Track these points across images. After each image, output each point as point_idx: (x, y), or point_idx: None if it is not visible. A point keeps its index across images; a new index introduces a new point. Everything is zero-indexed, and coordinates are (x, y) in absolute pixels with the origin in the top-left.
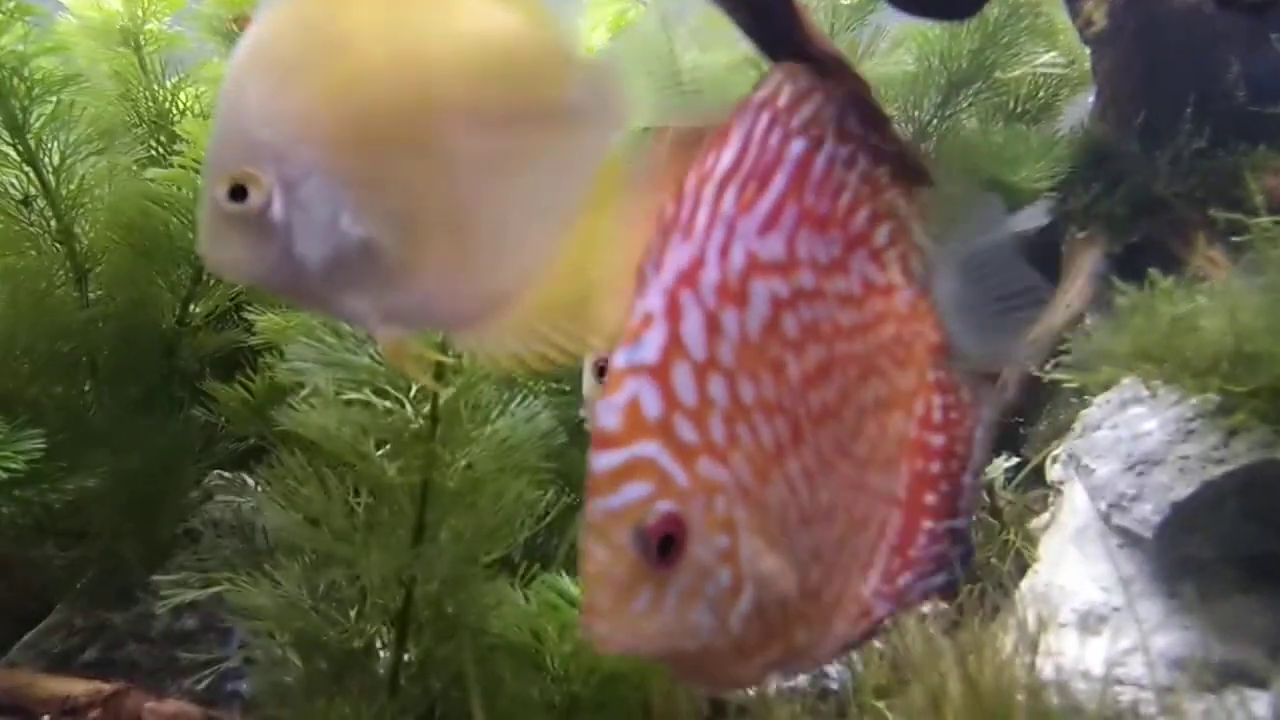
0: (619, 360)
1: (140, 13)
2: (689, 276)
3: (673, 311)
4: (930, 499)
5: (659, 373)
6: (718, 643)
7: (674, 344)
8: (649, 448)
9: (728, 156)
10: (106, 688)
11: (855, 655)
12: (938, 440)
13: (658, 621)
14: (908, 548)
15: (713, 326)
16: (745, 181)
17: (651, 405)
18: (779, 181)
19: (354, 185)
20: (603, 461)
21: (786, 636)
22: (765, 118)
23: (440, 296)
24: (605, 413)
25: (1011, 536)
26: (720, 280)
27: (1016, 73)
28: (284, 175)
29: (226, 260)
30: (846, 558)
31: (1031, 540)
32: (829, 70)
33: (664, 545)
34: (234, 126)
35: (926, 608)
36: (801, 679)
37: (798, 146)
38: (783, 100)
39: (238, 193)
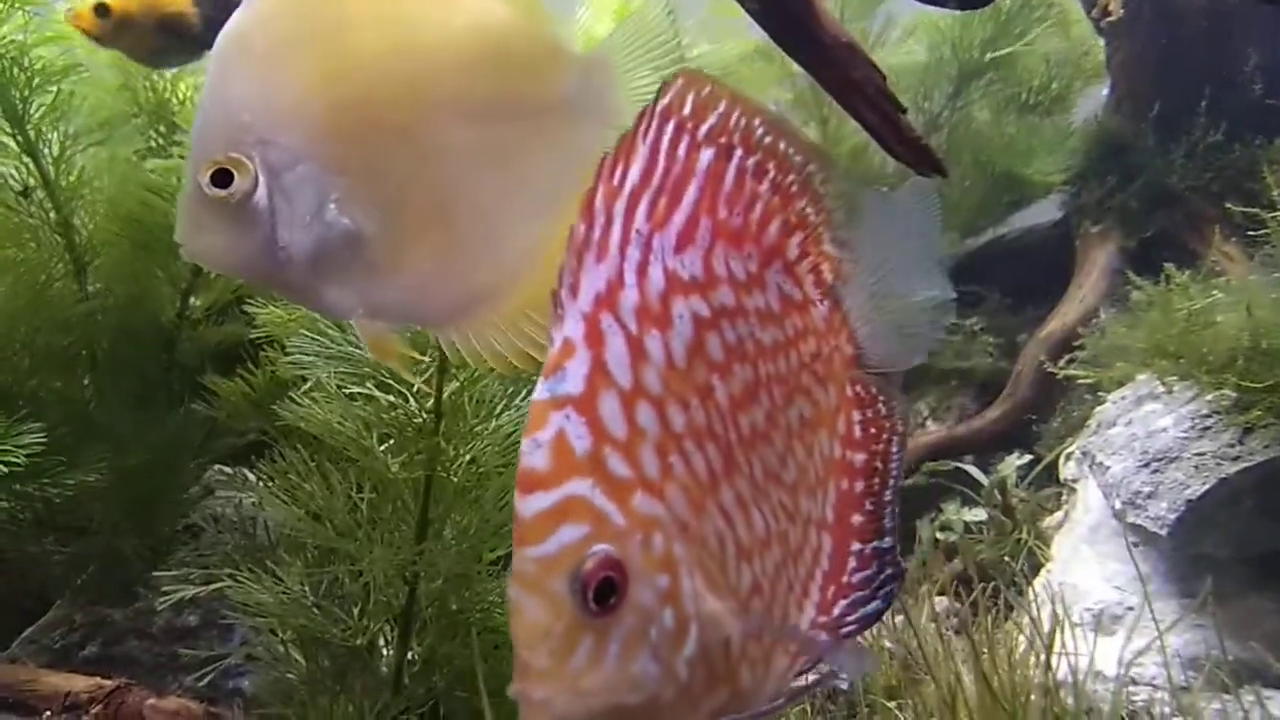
0: (541, 393)
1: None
2: (607, 299)
3: (594, 337)
4: (857, 520)
5: (585, 404)
6: (664, 692)
7: (598, 372)
8: (580, 486)
9: (636, 169)
10: (107, 684)
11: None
12: (859, 458)
13: (600, 676)
14: (840, 573)
15: (637, 351)
16: (656, 195)
17: (580, 440)
18: (691, 194)
19: (341, 174)
20: (532, 504)
21: (732, 679)
22: (671, 127)
23: (427, 290)
24: (531, 452)
25: (1024, 535)
26: (640, 301)
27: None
28: (269, 162)
29: (206, 248)
30: (784, 589)
31: (1044, 539)
32: (843, 58)
33: (603, 591)
34: (219, 111)
35: (940, 605)
36: (808, 677)
37: (707, 156)
38: (687, 108)
39: (221, 178)
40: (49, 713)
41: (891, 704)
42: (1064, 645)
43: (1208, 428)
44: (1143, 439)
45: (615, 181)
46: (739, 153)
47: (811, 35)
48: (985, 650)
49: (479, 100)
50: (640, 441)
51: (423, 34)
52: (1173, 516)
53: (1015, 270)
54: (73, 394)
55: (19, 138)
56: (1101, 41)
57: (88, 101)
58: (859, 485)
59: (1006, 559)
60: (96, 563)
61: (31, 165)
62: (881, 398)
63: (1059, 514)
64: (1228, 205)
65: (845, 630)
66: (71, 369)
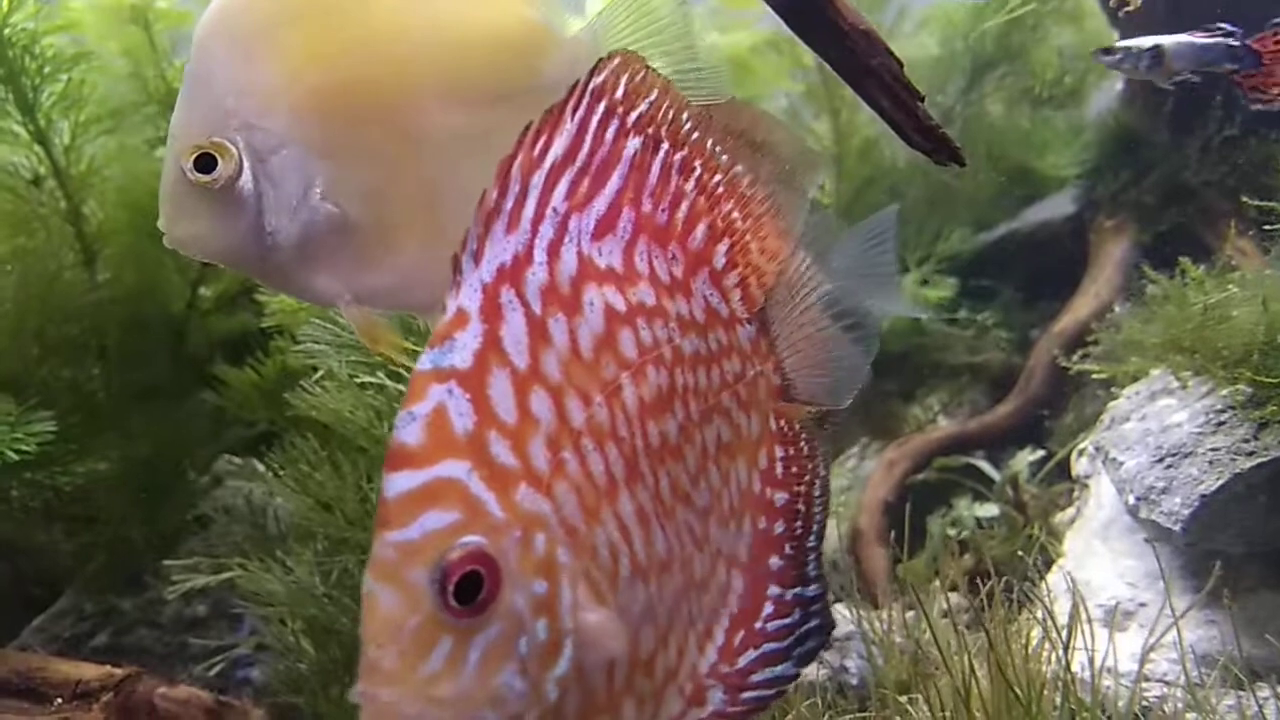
0: (424, 363)
1: None
2: (512, 273)
3: (491, 311)
4: (775, 563)
5: (472, 380)
6: (528, 714)
7: (491, 348)
8: (456, 468)
9: (560, 144)
10: (118, 672)
11: (875, 649)
12: (780, 497)
13: (455, 685)
14: (752, 618)
15: (538, 332)
16: (579, 175)
17: (461, 417)
18: (614, 180)
19: (327, 158)
20: (399, 483)
21: (612, 711)
22: (600, 107)
23: (414, 275)
24: (404, 425)
25: (1035, 531)
26: (548, 281)
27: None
28: (254, 146)
29: (190, 235)
30: (684, 621)
31: (1056, 535)
32: (860, 45)
33: (468, 588)
34: (202, 95)
35: (952, 600)
36: (819, 673)
37: (633, 144)
38: (619, 91)
39: (204, 163)
40: (60, 700)
41: (903, 698)
42: (1079, 640)
43: (1222, 423)
44: (1157, 434)
45: (536, 152)
46: (665, 146)
47: (829, 22)
48: (1001, 642)
49: (466, 84)
50: (531, 430)
51: (409, 17)
52: (1186, 512)
53: (1028, 265)
54: (82, 383)
55: (30, 126)
56: (1116, 35)
57: (98, 90)
58: (779, 526)
59: (1020, 553)
60: (105, 552)
61: (42, 154)
62: (805, 436)
63: (1071, 510)
64: (1243, 200)
65: (750, 694)
66: (81, 358)
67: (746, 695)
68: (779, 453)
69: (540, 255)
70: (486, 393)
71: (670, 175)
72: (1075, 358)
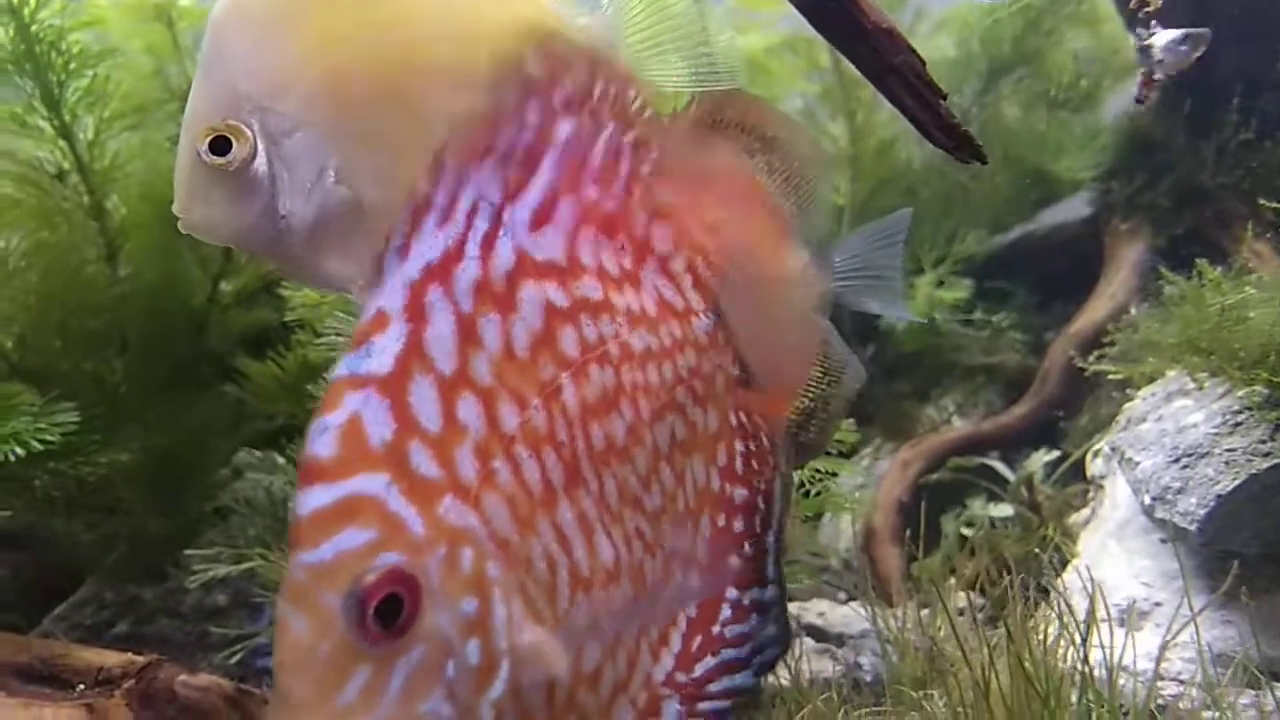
0: (340, 369)
1: None
2: (440, 270)
3: (415, 311)
4: (734, 563)
5: (391, 386)
6: None
7: (414, 351)
8: (373, 482)
9: (493, 133)
10: (140, 659)
11: (889, 646)
12: (740, 494)
13: (372, 715)
14: (710, 622)
15: (467, 333)
16: (509, 164)
17: (379, 427)
18: (548, 167)
19: (341, 142)
20: (311, 500)
21: None
22: (529, 91)
23: None
24: (316, 436)
25: (1050, 532)
26: (481, 278)
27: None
28: (268, 129)
29: (204, 218)
30: (634, 632)
31: (1070, 535)
32: (883, 43)
33: (387, 611)
34: (217, 77)
35: (962, 601)
36: (833, 669)
37: (565, 128)
38: (535, 68)
39: (219, 146)
40: (82, 686)
41: (918, 694)
42: (1095, 638)
43: (1239, 424)
44: (1173, 435)
45: (469, 141)
46: (610, 126)
47: (852, 20)
48: (1021, 636)
49: (479, 69)
50: (457, 438)
51: (422, 1)
52: (1203, 512)
53: (1044, 267)
54: (104, 376)
55: (55, 121)
56: (1132, 39)
57: (122, 86)
58: (738, 524)
59: (1037, 551)
60: (126, 542)
61: (66, 149)
62: (766, 431)
63: (1085, 510)
64: (1260, 203)
65: (707, 704)
66: (102, 351)
67: (704, 706)
68: (739, 448)
69: (473, 250)
70: (407, 399)
71: (618, 159)
72: (1091, 358)
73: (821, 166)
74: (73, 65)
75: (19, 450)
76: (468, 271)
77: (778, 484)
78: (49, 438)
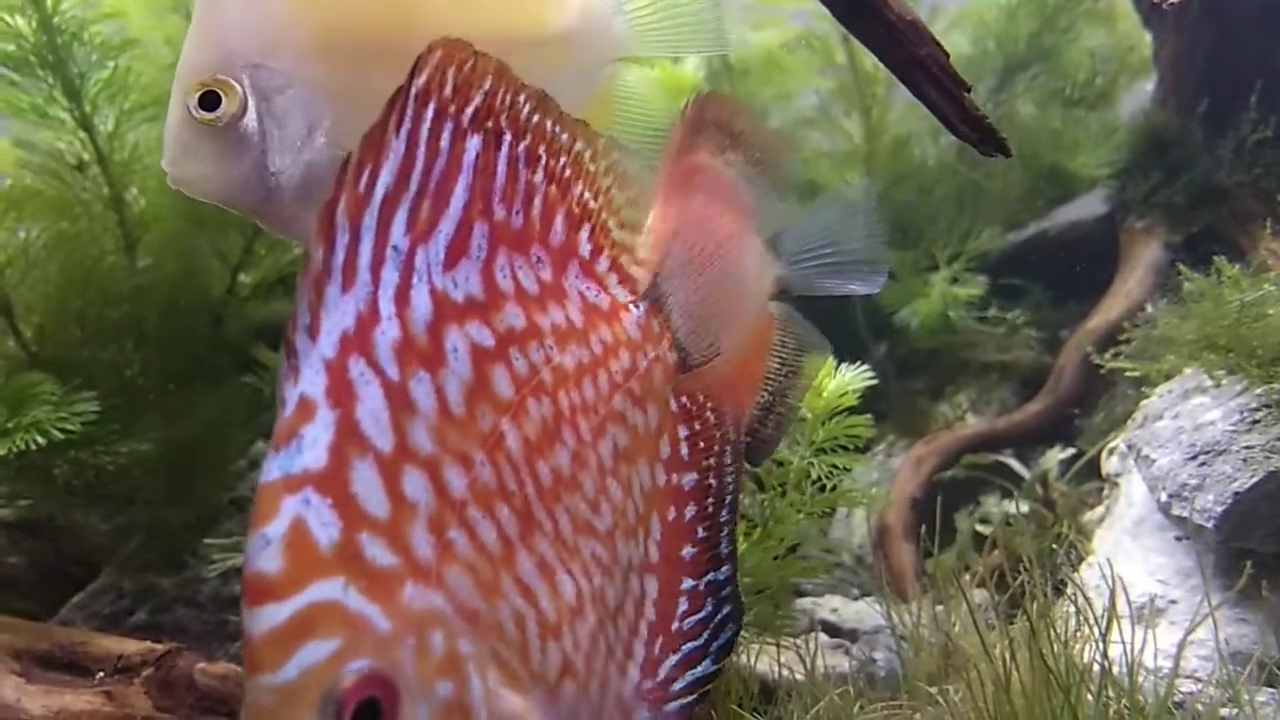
0: (270, 473)
1: None
2: (357, 339)
3: (340, 391)
4: (688, 552)
5: (330, 481)
6: None
7: (347, 437)
8: (327, 589)
9: (388, 169)
10: (159, 647)
11: (905, 642)
12: (689, 480)
13: None
14: (669, 620)
15: (399, 402)
16: (417, 200)
17: (324, 529)
18: (459, 194)
19: (333, 99)
20: (263, 620)
21: None
22: (429, 113)
23: None
24: (257, 552)
25: (1065, 529)
26: (401, 337)
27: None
28: (259, 85)
29: (194, 175)
30: (603, 657)
31: (1085, 533)
32: (908, 35)
33: (367, 715)
34: (209, 33)
35: (978, 597)
36: (845, 665)
37: (473, 145)
38: (447, 88)
39: (209, 101)
40: (102, 674)
41: (933, 689)
42: (1113, 634)
43: (1256, 421)
44: (1190, 432)
45: (362, 187)
46: (508, 137)
47: (876, 12)
48: (1042, 630)
49: (475, 30)
50: (408, 519)
51: None
52: (1220, 509)
53: (1059, 264)
54: (122, 366)
55: (75, 113)
56: (1148, 36)
57: (142, 78)
58: (689, 510)
59: (1054, 547)
60: (144, 532)
61: (86, 140)
62: (710, 405)
63: (1100, 508)
64: (1278, 201)
65: (673, 704)
66: (121, 342)
67: (670, 706)
68: (682, 433)
69: (387, 308)
70: (350, 491)
71: (518, 170)
72: (1108, 356)
73: (786, 153)
74: (94, 57)
75: (40, 439)
76: (387, 334)
77: (727, 456)
78: (69, 427)
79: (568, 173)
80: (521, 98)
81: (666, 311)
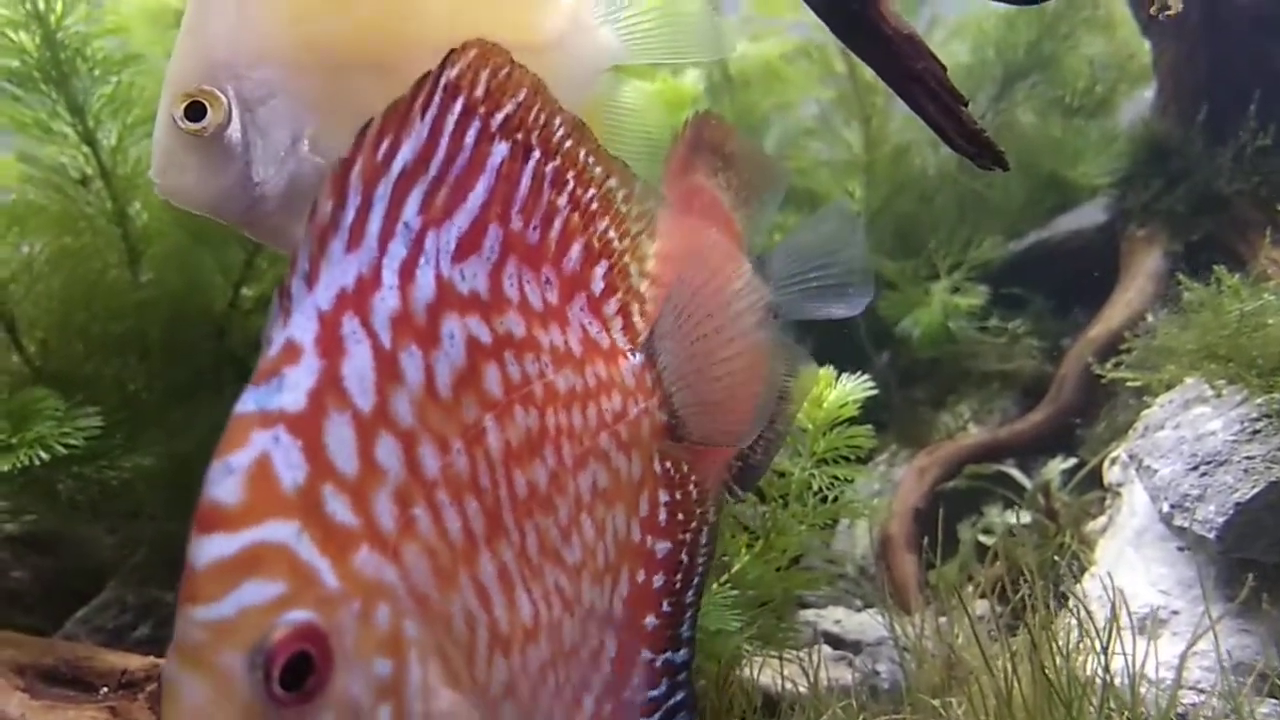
0: (245, 404)
1: None
2: (356, 298)
3: (330, 343)
4: (650, 622)
5: (304, 425)
6: None
7: (329, 388)
8: (282, 530)
9: (410, 146)
10: (162, 662)
11: (908, 654)
12: (663, 547)
13: None
14: (622, 686)
15: (387, 368)
16: (434, 185)
17: (290, 470)
18: (479, 192)
19: (317, 109)
20: (209, 549)
21: None
22: (458, 106)
23: None
24: (218, 479)
25: (1067, 539)
26: (400, 309)
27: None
28: (243, 95)
29: (180, 185)
30: (549, 695)
31: (1088, 543)
32: (904, 50)
33: (295, 672)
34: (194, 44)
35: (981, 609)
36: (849, 677)
37: (500, 151)
38: (479, 88)
39: (194, 111)
40: (106, 689)
41: (936, 701)
42: (1117, 645)
43: (1257, 431)
44: (1191, 442)
45: (380, 156)
46: (536, 154)
47: (873, 27)
48: (1044, 642)
49: (462, 38)
50: (375, 483)
51: None
52: (1221, 520)
53: (1060, 273)
54: (126, 381)
55: (79, 128)
56: (1147, 45)
57: (145, 93)
58: (658, 579)
59: (1056, 559)
60: (147, 546)
61: (90, 155)
62: (694, 479)
63: (1103, 518)
64: (1277, 210)
65: None
66: (124, 357)
67: None
68: (663, 497)
69: (390, 278)
70: (322, 440)
71: (542, 188)
72: (1109, 365)
73: (770, 181)
74: (97, 73)
75: (44, 454)
76: (386, 301)
77: (703, 536)
78: (73, 442)
79: (594, 206)
80: (557, 120)
81: (659, 370)
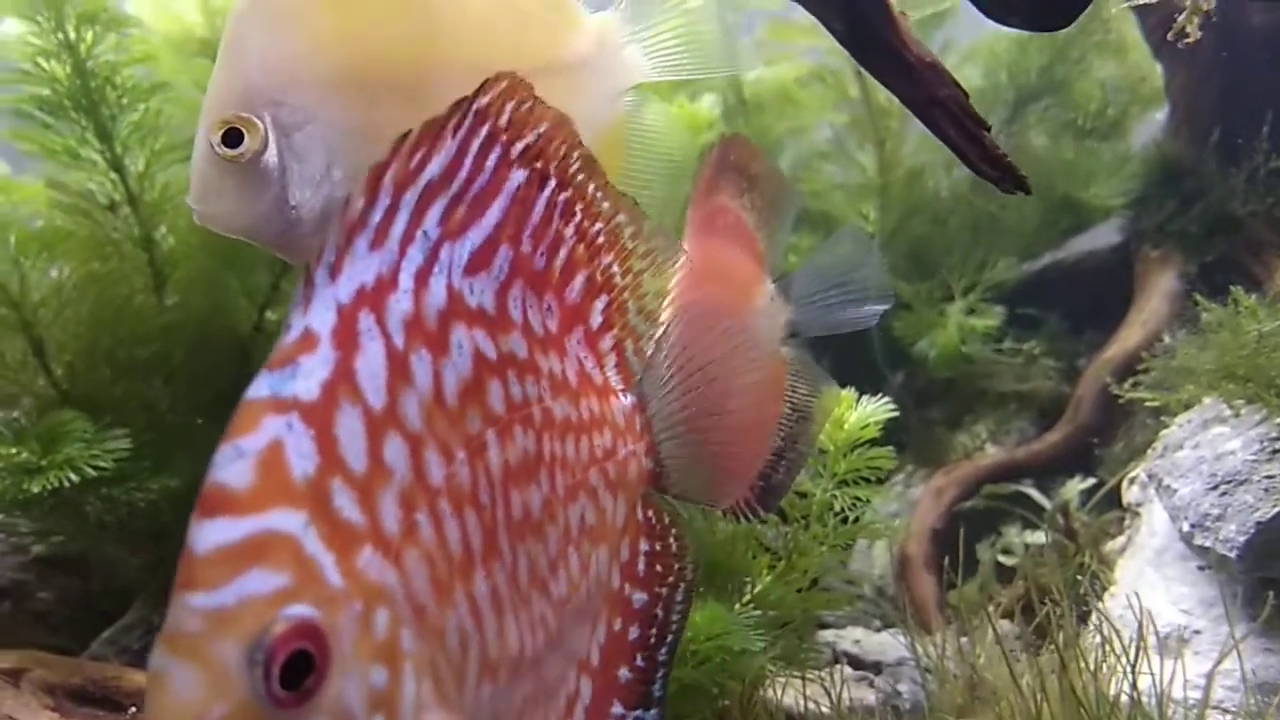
0: (259, 389)
1: (218, 24)
2: (374, 296)
3: (346, 336)
4: (623, 675)
5: (317, 414)
6: None
7: (343, 380)
8: (290, 520)
9: (438, 162)
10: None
11: (929, 674)
12: (639, 598)
13: None
14: None
15: (398, 369)
16: (454, 200)
17: (301, 459)
18: (494, 213)
19: (351, 134)
20: (213, 534)
21: None
22: (484, 131)
23: None
24: (227, 462)
25: (1086, 559)
26: (413, 312)
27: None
28: (280, 121)
29: (218, 210)
30: None
31: (1107, 563)
32: (927, 76)
33: (294, 670)
34: (232, 71)
35: (1003, 629)
36: (870, 697)
37: (517, 177)
38: (504, 117)
39: (232, 138)
40: (134, 708)
41: None
42: (1142, 664)
43: (1277, 450)
44: (1210, 461)
45: (413, 165)
46: (552, 183)
47: (896, 54)
48: (1072, 660)
49: (491, 61)
50: (382, 483)
51: None
52: (1242, 539)
53: (1074, 294)
54: (152, 403)
55: (107, 154)
56: (1159, 67)
57: (172, 120)
58: (634, 631)
59: (1079, 578)
60: (173, 567)
61: (118, 181)
62: (675, 533)
63: (1122, 538)
64: None
65: None
66: (150, 380)
67: None
68: (643, 546)
69: (407, 281)
70: (333, 432)
71: (553, 216)
72: (1127, 385)
73: (789, 201)
74: (125, 100)
75: (73, 476)
76: (400, 304)
77: (679, 594)
78: (102, 464)
79: (600, 240)
80: (574, 154)
81: (649, 416)
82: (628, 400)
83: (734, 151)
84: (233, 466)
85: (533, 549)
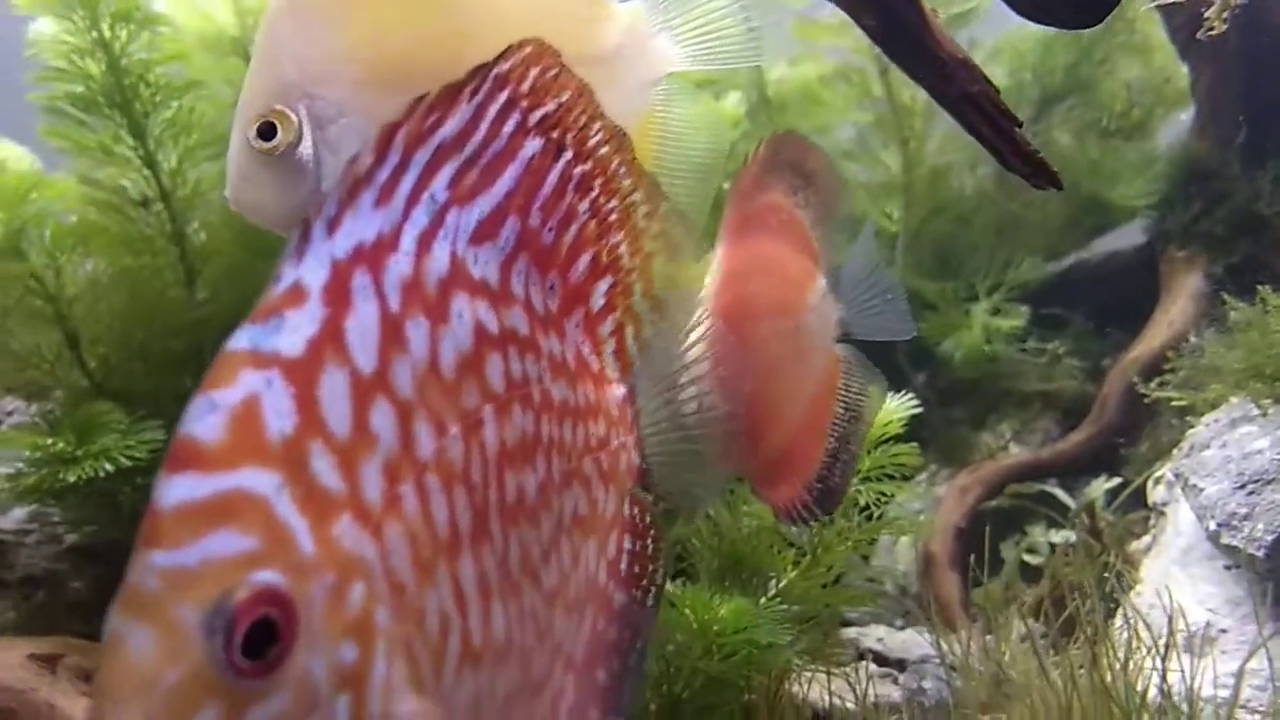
0: (239, 341)
1: (250, 22)
2: (372, 255)
3: (338, 293)
4: (601, 677)
5: (300, 372)
6: None
7: (330, 338)
8: (262, 480)
9: (452, 124)
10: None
11: (954, 671)
12: (620, 598)
13: None
14: None
15: (392, 332)
16: (466, 166)
17: (279, 417)
18: (505, 180)
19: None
20: (178, 489)
21: None
22: (502, 96)
23: None
24: (199, 415)
25: (1111, 558)
26: (411, 276)
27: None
28: (314, 114)
29: (253, 201)
30: None
31: (1132, 562)
32: (959, 73)
33: (258, 639)
34: (267, 66)
35: (1031, 624)
36: (895, 694)
37: (532, 146)
38: (525, 83)
39: (266, 131)
40: None
41: (986, 718)
42: (1172, 662)
43: None
44: (1238, 461)
45: (426, 126)
46: (568, 155)
47: (928, 52)
48: (1104, 655)
49: None
50: (365, 450)
51: None
52: (1270, 538)
53: (1099, 294)
54: (184, 397)
55: (140, 151)
56: (1184, 68)
57: (204, 117)
58: (613, 633)
59: (1106, 575)
60: None
61: (150, 177)
62: (653, 534)
63: (1147, 537)
64: None
65: None
66: (181, 375)
67: None
68: (627, 545)
69: (409, 244)
70: (316, 392)
71: (566, 189)
72: (1153, 385)
73: (844, 198)
74: (158, 98)
75: (109, 466)
76: (399, 265)
77: (650, 598)
78: (137, 454)
79: (613, 217)
80: (596, 126)
81: (638, 409)
82: (620, 391)
83: (786, 148)
84: (205, 420)
85: (525, 535)
